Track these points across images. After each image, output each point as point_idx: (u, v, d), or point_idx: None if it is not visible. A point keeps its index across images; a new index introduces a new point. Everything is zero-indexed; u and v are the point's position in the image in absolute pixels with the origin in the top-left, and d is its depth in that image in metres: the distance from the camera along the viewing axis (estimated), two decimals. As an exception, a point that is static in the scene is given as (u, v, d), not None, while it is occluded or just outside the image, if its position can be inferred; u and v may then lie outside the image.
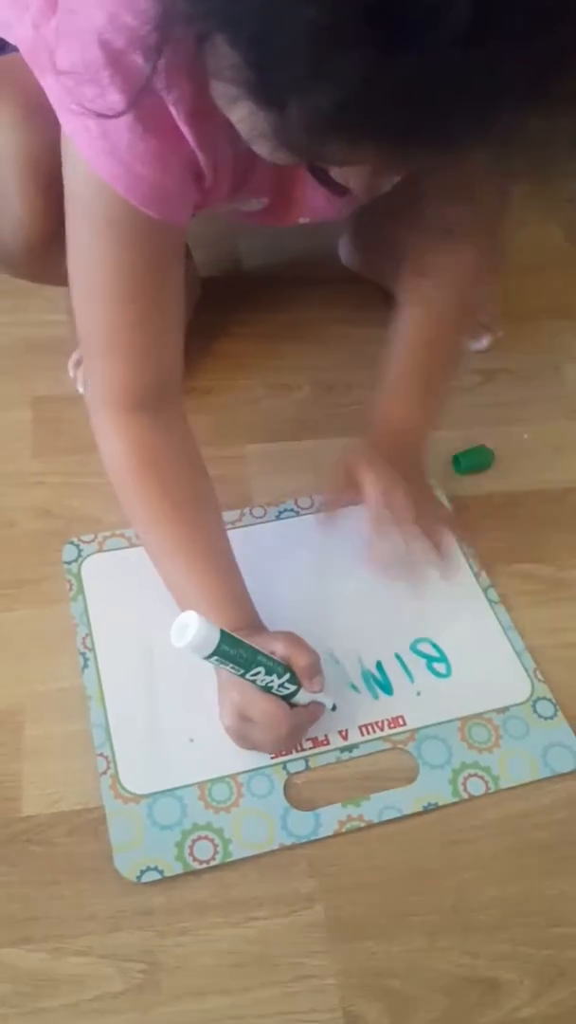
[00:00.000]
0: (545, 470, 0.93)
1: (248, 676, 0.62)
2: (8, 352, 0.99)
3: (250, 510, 0.86)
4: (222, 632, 0.59)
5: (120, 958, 0.60)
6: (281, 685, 0.64)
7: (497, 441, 0.93)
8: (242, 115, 0.46)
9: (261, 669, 0.62)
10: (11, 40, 0.73)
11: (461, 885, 0.65)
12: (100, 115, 0.53)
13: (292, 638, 0.66)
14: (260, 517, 0.86)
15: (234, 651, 0.60)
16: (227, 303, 1.06)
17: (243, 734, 0.67)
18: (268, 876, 0.64)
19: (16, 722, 0.70)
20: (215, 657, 0.59)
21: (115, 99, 0.52)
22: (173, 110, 0.54)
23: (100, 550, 0.81)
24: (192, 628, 0.58)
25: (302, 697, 0.66)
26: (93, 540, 0.82)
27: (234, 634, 0.61)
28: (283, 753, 0.69)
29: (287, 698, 0.65)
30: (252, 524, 0.85)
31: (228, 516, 0.85)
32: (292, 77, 0.39)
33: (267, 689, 0.64)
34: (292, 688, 0.64)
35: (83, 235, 0.62)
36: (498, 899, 0.64)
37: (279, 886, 0.64)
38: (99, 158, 0.56)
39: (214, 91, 0.49)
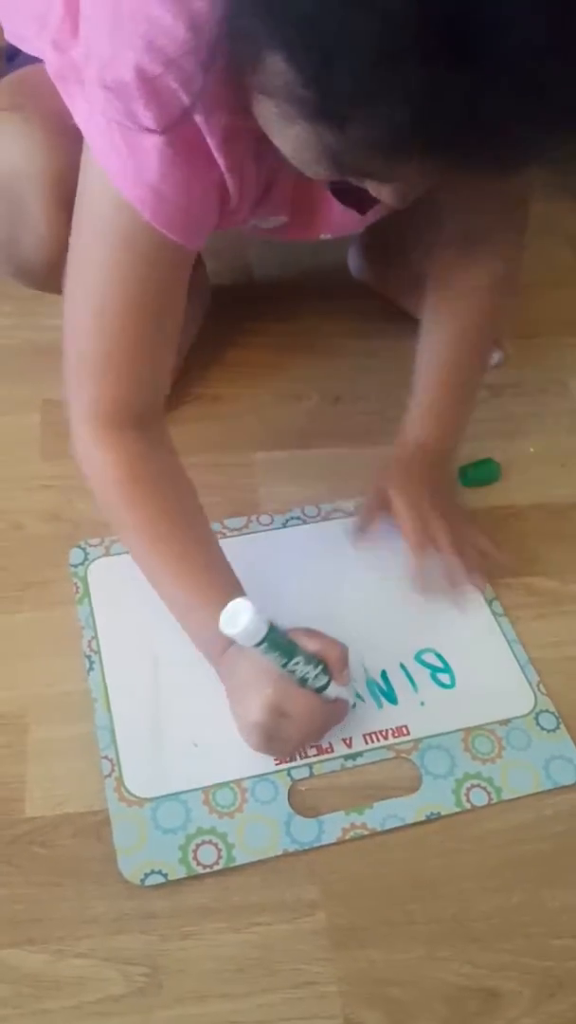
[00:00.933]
0: (551, 484, 0.93)
1: (289, 666, 0.63)
2: (17, 355, 0.99)
3: (257, 517, 0.87)
4: (270, 622, 0.61)
5: (122, 961, 0.60)
6: (316, 677, 0.64)
7: (504, 455, 0.94)
8: (290, 133, 0.47)
9: (301, 659, 0.63)
10: (25, 50, 0.74)
11: (462, 895, 0.65)
12: (131, 140, 0.54)
13: (315, 632, 0.67)
14: (267, 524, 0.86)
15: (281, 639, 0.62)
16: (237, 312, 1.06)
17: (273, 730, 0.66)
18: (271, 882, 0.64)
19: (21, 724, 0.70)
20: (264, 644, 0.60)
21: (148, 125, 0.53)
22: (208, 136, 0.55)
23: (107, 554, 0.82)
24: (245, 615, 0.59)
25: (330, 691, 0.66)
26: (100, 544, 0.82)
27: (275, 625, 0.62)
28: (286, 760, 0.69)
29: (319, 691, 0.66)
30: (258, 531, 0.86)
31: (234, 523, 0.86)
32: (354, 94, 0.39)
33: (303, 681, 0.64)
34: (325, 680, 0.65)
35: (95, 251, 0.62)
36: (499, 909, 0.65)
37: (282, 892, 0.64)
38: (127, 181, 0.56)
39: (257, 109, 0.49)
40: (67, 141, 0.67)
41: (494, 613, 0.81)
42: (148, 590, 0.71)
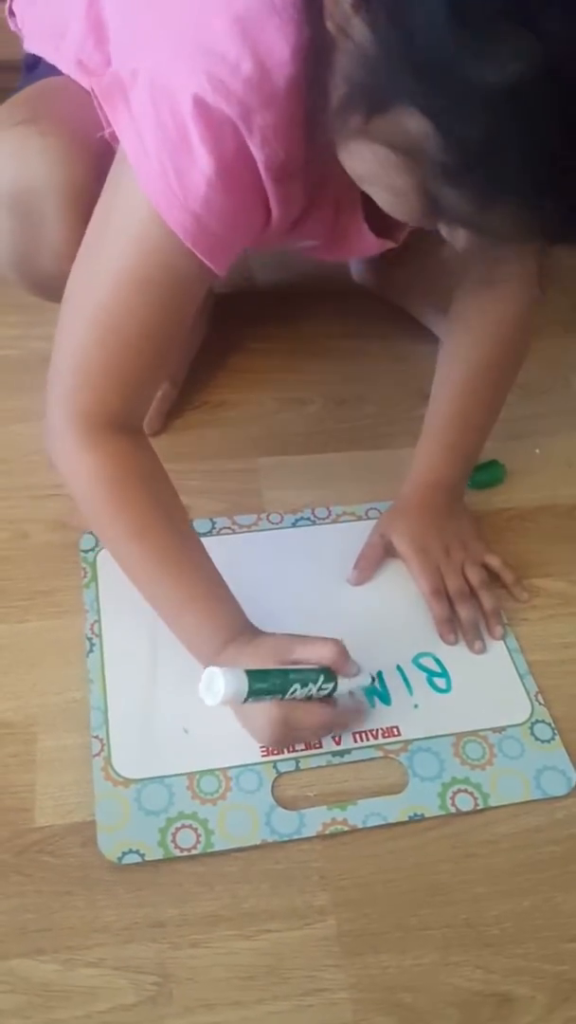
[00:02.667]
0: (557, 485, 0.93)
1: (287, 697, 0.63)
2: (24, 365, 1.00)
3: (267, 516, 0.87)
4: (248, 674, 0.61)
5: (133, 969, 0.60)
6: (319, 688, 0.65)
7: (509, 456, 0.94)
8: (397, 183, 0.48)
9: (296, 686, 0.63)
10: (48, 59, 0.74)
11: (474, 899, 0.65)
12: (180, 165, 0.53)
13: (301, 639, 0.67)
14: (277, 523, 0.87)
15: (267, 684, 0.62)
16: (240, 318, 1.07)
17: (287, 740, 0.68)
18: (281, 889, 0.64)
19: (30, 733, 0.70)
20: (250, 699, 0.61)
21: (201, 154, 0.53)
22: (263, 170, 0.54)
23: None
24: (220, 682, 0.60)
25: (341, 689, 0.66)
26: None
27: (256, 670, 0.62)
28: (273, 753, 0.70)
29: (328, 696, 0.66)
30: (268, 529, 0.86)
31: (244, 520, 0.86)
32: (507, 182, 0.42)
33: (308, 699, 0.65)
34: (331, 687, 0.65)
35: (116, 265, 0.61)
36: (511, 914, 0.64)
37: (292, 899, 0.64)
38: (170, 206, 0.56)
39: (351, 149, 0.50)
40: (87, 155, 0.67)
41: (501, 624, 0.81)
42: None
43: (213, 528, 0.86)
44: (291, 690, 0.63)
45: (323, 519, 0.88)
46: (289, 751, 0.70)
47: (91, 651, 0.75)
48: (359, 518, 0.88)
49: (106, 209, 0.61)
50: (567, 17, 0.37)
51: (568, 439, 0.98)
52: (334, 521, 0.87)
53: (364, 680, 0.69)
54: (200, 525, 0.85)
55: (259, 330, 1.06)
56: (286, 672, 0.63)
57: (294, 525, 0.87)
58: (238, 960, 0.61)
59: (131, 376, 0.65)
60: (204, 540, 0.83)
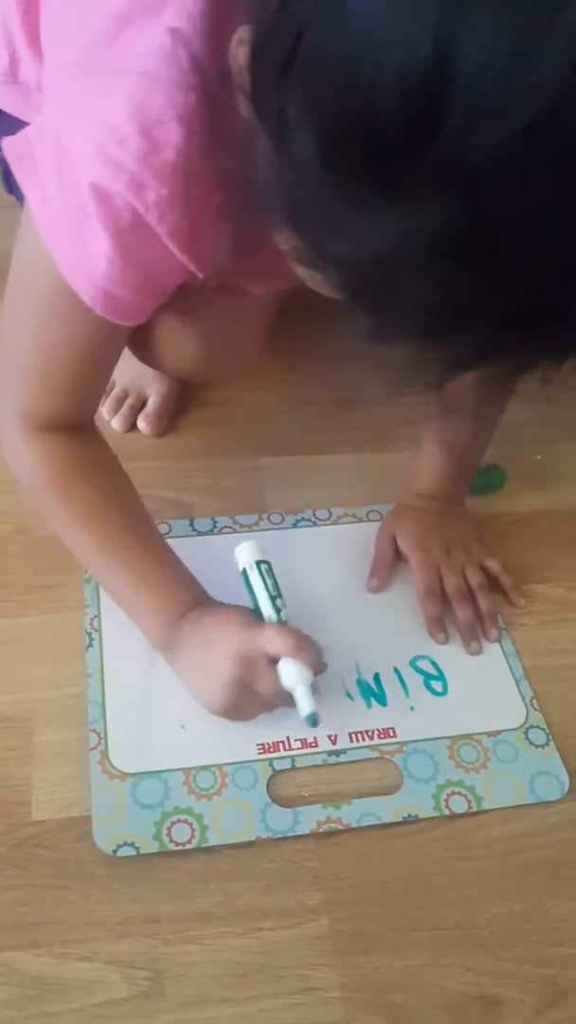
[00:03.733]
0: (557, 491, 0.94)
1: (277, 602, 0.66)
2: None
3: (268, 516, 0.88)
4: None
5: (126, 964, 0.61)
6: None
7: (509, 461, 0.94)
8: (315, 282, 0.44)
9: (280, 602, 0.66)
10: None
11: (465, 902, 0.65)
12: (84, 237, 0.52)
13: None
14: (278, 523, 0.87)
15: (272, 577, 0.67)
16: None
17: (239, 708, 0.67)
18: (274, 888, 0.65)
19: (27, 727, 0.71)
20: (265, 565, 0.67)
21: (100, 235, 0.51)
22: (167, 241, 0.52)
23: None
24: (254, 543, 0.67)
25: (295, 675, 0.63)
26: None
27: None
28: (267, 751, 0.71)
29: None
30: (269, 529, 0.87)
31: (245, 520, 0.87)
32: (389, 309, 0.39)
33: (279, 617, 0.66)
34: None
35: (39, 295, 0.60)
36: (502, 917, 0.65)
37: (285, 898, 0.64)
38: (77, 278, 0.55)
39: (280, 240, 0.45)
40: None
41: (496, 626, 0.81)
42: None
43: (215, 527, 0.86)
44: (280, 599, 0.67)
45: (324, 520, 0.88)
46: (286, 748, 0.71)
47: (90, 646, 0.75)
48: (359, 520, 0.88)
49: (21, 260, 0.60)
50: (437, 201, 0.33)
51: (569, 445, 0.98)
52: (335, 522, 0.88)
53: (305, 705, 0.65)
54: (201, 524, 0.86)
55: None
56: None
57: (295, 526, 0.87)
58: (231, 957, 0.62)
59: (64, 385, 0.66)
60: (205, 539, 0.84)
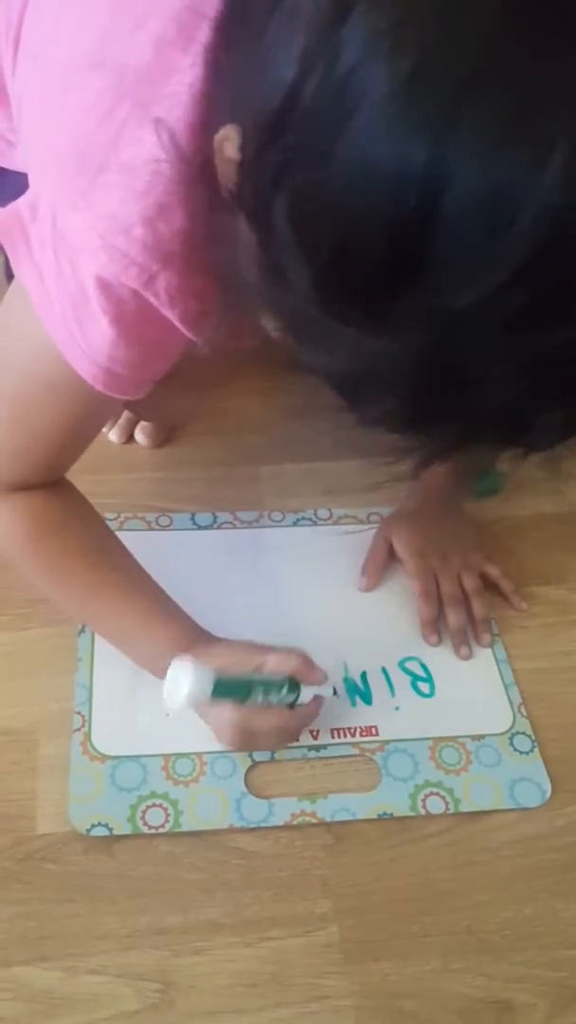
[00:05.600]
0: (556, 494, 0.93)
1: (249, 702, 0.64)
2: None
3: (268, 514, 0.88)
4: (215, 675, 0.61)
5: (135, 977, 0.60)
6: (283, 697, 0.65)
7: (508, 465, 0.94)
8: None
9: (260, 691, 0.64)
10: None
11: (475, 907, 0.65)
12: (83, 317, 0.51)
13: (263, 648, 0.68)
14: (278, 521, 0.88)
15: (228, 688, 0.62)
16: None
17: (246, 745, 0.68)
18: (283, 896, 0.64)
19: (31, 740, 0.70)
20: (213, 700, 0.62)
21: (102, 322, 0.50)
22: (177, 323, 0.51)
23: (120, 528, 0.84)
24: (185, 683, 0.60)
25: (305, 697, 0.66)
26: (116, 519, 0.85)
27: (222, 675, 0.62)
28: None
29: (290, 706, 0.66)
30: (269, 526, 0.87)
31: (246, 516, 0.88)
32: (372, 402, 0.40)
33: (269, 706, 0.65)
34: (293, 696, 0.66)
35: (26, 365, 0.58)
36: (512, 921, 0.64)
37: (293, 906, 0.64)
38: (77, 358, 0.54)
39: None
40: None
41: (490, 632, 0.81)
42: (151, 566, 0.72)
43: (215, 522, 0.87)
44: (254, 695, 0.64)
45: (324, 520, 0.89)
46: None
47: (82, 631, 0.76)
48: (360, 521, 0.89)
49: (17, 311, 0.58)
50: (419, 331, 0.35)
51: (567, 448, 0.98)
52: (335, 522, 0.88)
53: (327, 690, 0.69)
54: (202, 519, 0.87)
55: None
56: (249, 678, 0.64)
57: (295, 524, 0.88)
58: (240, 967, 0.61)
59: (41, 458, 0.64)
60: (205, 533, 0.85)
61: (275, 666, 0.66)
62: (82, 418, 0.62)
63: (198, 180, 0.45)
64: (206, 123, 0.44)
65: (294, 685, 0.66)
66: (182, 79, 0.45)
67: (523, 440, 0.41)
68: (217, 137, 0.41)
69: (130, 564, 0.71)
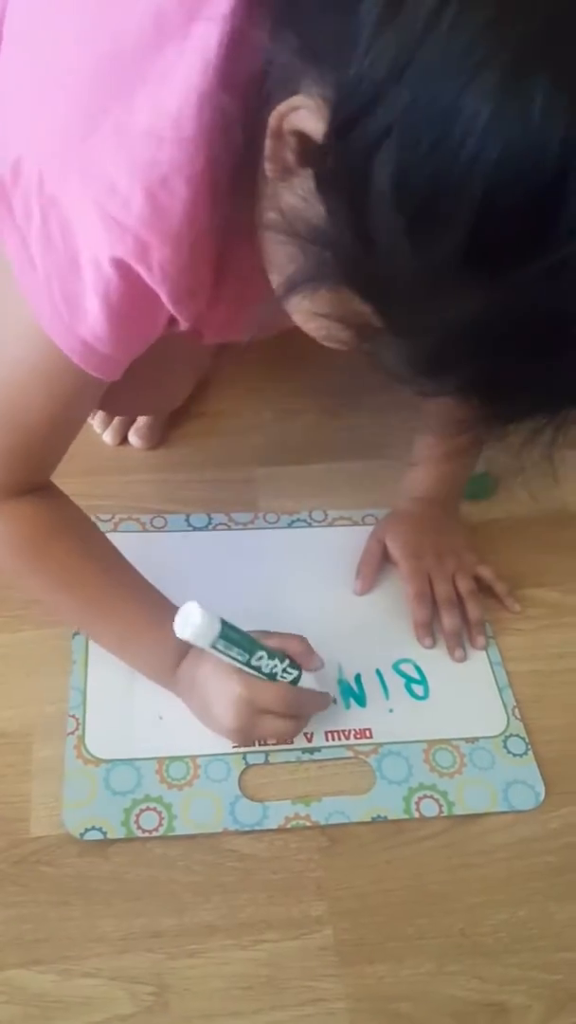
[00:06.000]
0: (547, 495, 0.93)
1: (252, 662, 0.64)
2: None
3: (263, 515, 0.88)
4: (223, 620, 0.62)
5: (129, 980, 0.60)
6: (284, 670, 0.66)
7: (498, 466, 0.94)
8: (337, 336, 0.45)
9: (263, 653, 0.64)
10: None
11: (470, 909, 0.65)
12: (69, 291, 0.50)
13: (269, 632, 0.68)
14: (273, 523, 0.88)
15: (237, 636, 0.63)
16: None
17: (252, 730, 0.67)
18: (277, 899, 0.64)
19: (25, 743, 0.70)
20: (221, 642, 0.61)
21: (91, 293, 0.50)
22: (165, 301, 0.51)
23: (115, 530, 0.84)
24: (196, 615, 0.60)
25: (305, 682, 0.67)
26: (110, 520, 0.85)
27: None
28: (267, 742, 0.71)
29: (292, 683, 0.67)
30: (264, 528, 0.87)
31: (241, 518, 0.88)
32: (408, 316, 0.40)
33: (272, 676, 0.65)
34: (295, 673, 0.66)
35: (14, 354, 0.57)
36: (507, 923, 0.65)
37: (288, 909, 0.64)
38: (59, 331, 0.53)
39: (291, 305, 0.46)
40: None
41: (484, 634, 0.81)
42: (146, 569, 0.72)
43: (209, 523, 0.87)
44: (258, 654, 0.64)
45: (319, 522, 0.89)
46: (261, 744, 0.71)
47: (77, 633, 0.76)
48: (355, 523, 0.89)
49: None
50: (531, 292, 0.35)
51: (561, 451, 0.98)
52: (330, 524, 0.88)
53: (328, 684, 0.70)
54: (196, 520, 0.87)
55: (255, 341, 1.06)
56: (254, 639, 0.65)
57: (290, 526, 0.88)
58: (235, 970, 0.61)
59: (34, 454, 0.64)
60: (200, 535, 0.85)
61: (277, 644, 0.67)
62: (71, 406, 0.61)
63: (218, 147, 0.45)
64: (218, 91, 0.44)
65: (295, 664, 0.67)
66: (186, 48, 0.44)
67: None
68: (284, 106, 0.40)
69: (127, 567, 0.71)
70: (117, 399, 0.70)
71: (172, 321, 0.55)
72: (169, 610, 0.69)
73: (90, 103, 0.47)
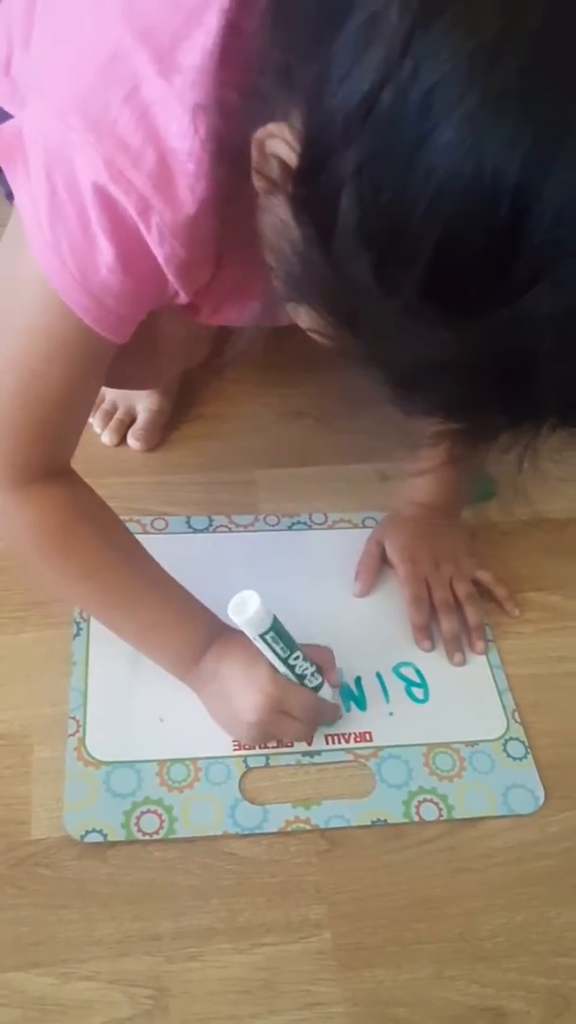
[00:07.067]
0: (549, 499, 0.93)
1: (290, 660, 0.64)
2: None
3: (264, 517, 0.88)
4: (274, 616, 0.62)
5: (128, 983, 0.60)
6: (313, 675, 0.66)
7: (500, 469, 0.94)
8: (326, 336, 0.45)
9: (300, 654, 0.65)
10: None
11: (468, 914, 0.65)
12: (78, 247, 0.51)
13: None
14: (273, 525, 0.88)
15: (284, 631, 0.63)
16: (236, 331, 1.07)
17: (270, 725, 0.68)
18: (276, 902, 0.64)
19: (25, 745, 0.70)
20: (271, 634, 0.62)
21: (101, 242, 0.50)
22: (163, 265, 0.51)
23: None
24: (253, 603, 0.60)
25: (324, 693, 0.68)
26: None
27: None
28: (244, 747, 0.71)
29: (314, 690, 0.68)
30: (264, 530, 0.87)
31: (241, 520, 0.88)
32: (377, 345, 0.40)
33: (301, 678, 0.66)
34: (320, 680, 0.67)
35: (28, 321, 0.57)
36: (505, 928, 0.65)
37: (287, 913, 0.64)
38: (68, 286, 0.53)
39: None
40: None
41: (484, 638, 0.81)
42: None
43: (210, 525, 0.87)
44: (295, 653, 0.64)
45: (319, 524, 0.89)
46: (262, 747, 0.71)
47: (78, 634, 0.76)
48: (355, 526, 0.89)
49: (10, 265, 0.57)
50: (498, 331, 0.35)
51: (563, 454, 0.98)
52: (330, 527, 0.88)
53: (336, 698, 0.71)
54: (197, 522, 0.87)
55: (255, 334, 1.06)
56: (294, 640, 0.65)
57: (290, 528, 0.88)
58: (233, 974, 0.61)
59: (55, 427, 0.63)
60: (200, 536, 0.85)
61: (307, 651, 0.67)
62: (86, 372, 0.60)
63: (219, 160, 0.46)
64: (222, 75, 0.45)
65: (320, 671, 0.68)
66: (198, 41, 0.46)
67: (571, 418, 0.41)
68: (261, 132, 0.41)
69: (149, 558, 0.71)
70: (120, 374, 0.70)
71: (176, 293, 0.55)
72: (192, 603, 0.70)
73: (104, 66, 0.48)
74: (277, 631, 0.63)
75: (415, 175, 0.34)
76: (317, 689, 0.68)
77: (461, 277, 0.35)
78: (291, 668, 0.65)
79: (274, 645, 0.63)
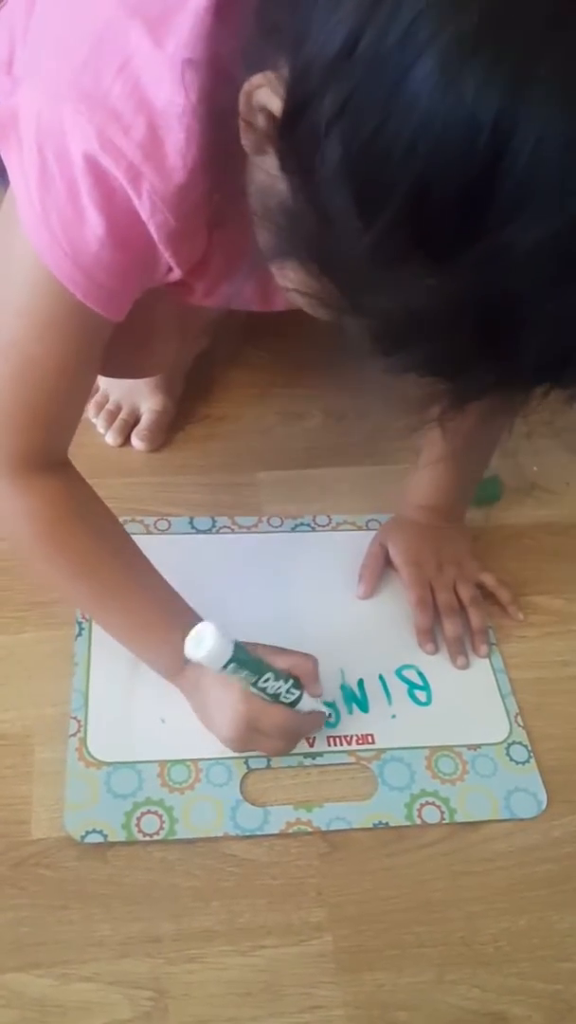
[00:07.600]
0: (555, 503, 0.93)
1: (259, 684, 0.63)
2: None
3: (267, 519, 0.88)
4: (236, 642, 0.61)
5: (128, 985, 0.60)
6: (287, 691, 0.65)
7: (506, 473, 0.94)
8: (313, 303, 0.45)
9: (271, 675, 0.64)
10: None
11: (470, 917, 0.65)
12: (68, 220, 0.51)
13: (283, 650, 0.68)
14: (277, 526, 0.88)
15: (246, 658, 0.62)
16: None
17: (248, 742, 0.68)
18: (277, 905, 0.64)
19: (27, 745, 0.70)
20: (231, 665, 0.61)
21: (91, 214, 0.50)
22: (154, 235, 0.51)
23: None
24: (210, 639, 0.60)
25: (304, 704, 0.67)
26: None
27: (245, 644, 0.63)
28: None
29: (291, 705, 0.67)
30: (268, 532, 0.87)
31: (245, 522, 0.88)
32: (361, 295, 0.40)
33: (275, 697, 0.65)
34: (297, 695, 0.66)
35: (22, 304, 0.57)
36: (507, 932, 0.64)
37: (288, 915, 0.64)
38: (58, 261, 0.53)
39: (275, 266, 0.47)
40: None
41: (487, 641, 0.81)
42: None
43: (214, 527, 0.86)
44: (264, 676, 0.64)
45: (323, 526, 0.88)
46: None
47: (79, 635, 0.76)
48: (359, 528, 0.88)
49: (4, 246, 0.57)
50: (478, 272, 0.36)
51: (566, 456, 0.98)
52: (334, 529, 0.88)
53: (321, 707, 0.70)
54: (200, 523, 0.87)
55: (260, 344, 1.06)
56: (263, 661, 0.64)
57: (293, 530, 0.88)
58: (234, 976, 0.61)
59: (51, 413, 0.63)
60: (203, 538, 0.85)
61: (287, 664, 0.67)
62: (81, 353, 0.60)
63: (210, 124, 0.46)
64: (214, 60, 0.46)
65: (298, 684, 0.67)
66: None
67: (559, 377, 0.41)
68: (248, 84, 0.41)
69: (143, 558, 0.71)
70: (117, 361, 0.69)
71: (169, 268, 0.55)
72: (182, 607, 0.70)
73: (97, 40, 0.49)
74: (239, 660, 0.61)
75: (396, 109, 0.34)
76: (294, 704, 0.67)
77: (440, 211, 0.35)
78: (262, 690, 0.64)
79: (238, 673, 0.62)
